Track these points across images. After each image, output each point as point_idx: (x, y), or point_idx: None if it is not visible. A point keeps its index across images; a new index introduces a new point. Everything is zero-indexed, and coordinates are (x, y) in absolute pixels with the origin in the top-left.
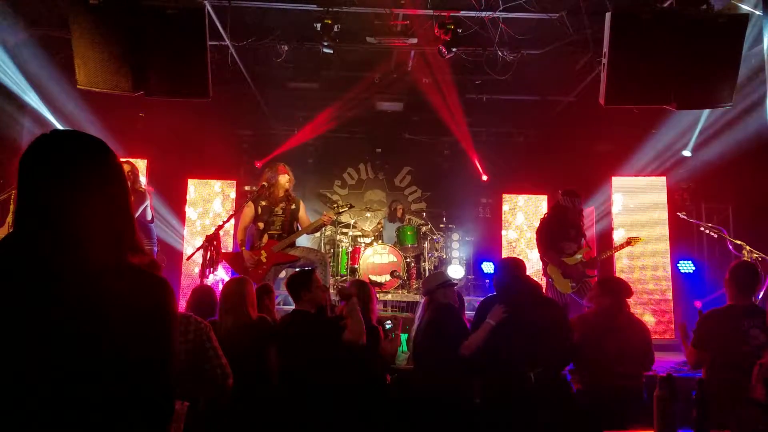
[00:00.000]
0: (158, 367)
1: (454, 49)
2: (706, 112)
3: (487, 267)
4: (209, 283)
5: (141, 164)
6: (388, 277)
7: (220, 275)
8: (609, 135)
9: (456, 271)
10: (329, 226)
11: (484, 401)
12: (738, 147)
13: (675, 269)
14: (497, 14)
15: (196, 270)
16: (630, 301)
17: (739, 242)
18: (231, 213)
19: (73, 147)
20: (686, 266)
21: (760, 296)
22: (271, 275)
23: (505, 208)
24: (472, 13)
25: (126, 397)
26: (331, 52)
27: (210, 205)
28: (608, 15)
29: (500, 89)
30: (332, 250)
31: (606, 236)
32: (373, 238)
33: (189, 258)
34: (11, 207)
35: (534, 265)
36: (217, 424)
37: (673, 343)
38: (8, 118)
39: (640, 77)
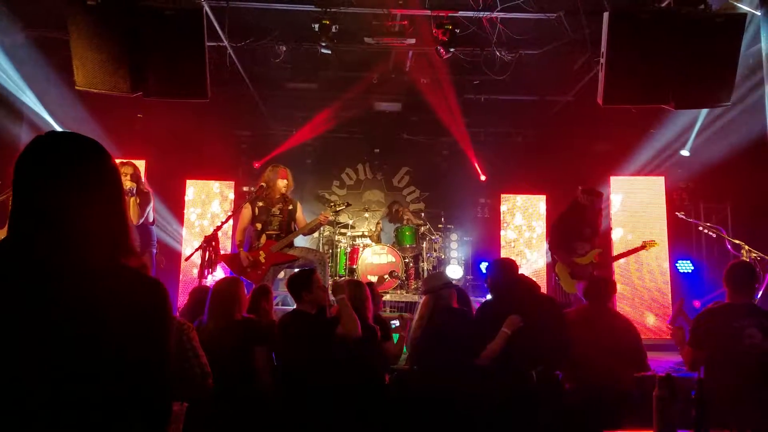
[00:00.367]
0: (155, 367)
1: (452, 50)
2: (704, 111)
3: (486, 267)
4: (208, 284)
5: (139, 165)
6: (386, 277)
7: (219, 276)
8: (607, 135)
9: (455, 272)
10: (328, 227)
11: (488, 402)
12: (736, 146)
13: (674, 269)
14: (495, 14)
15: (195, 271)
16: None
17: (737, 242)
18: (229, 214)
19: (68, 148)
20: (685, 266)
21: (759, 296)
22: (270, 276)
23: (503, 208)
24: (469, 13)
25: (124, 398)
26: (330, 52)
27: (208, 206)
28: (606, 15)
29: (498, 89)
30: (331, 251)
31: (604, 236)
32: (371, 238)
33: (187, 259)
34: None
35: (532, 265)
36: (209, 425)
37: (672, 343)
38: (6, 119)
39: (638, 77)
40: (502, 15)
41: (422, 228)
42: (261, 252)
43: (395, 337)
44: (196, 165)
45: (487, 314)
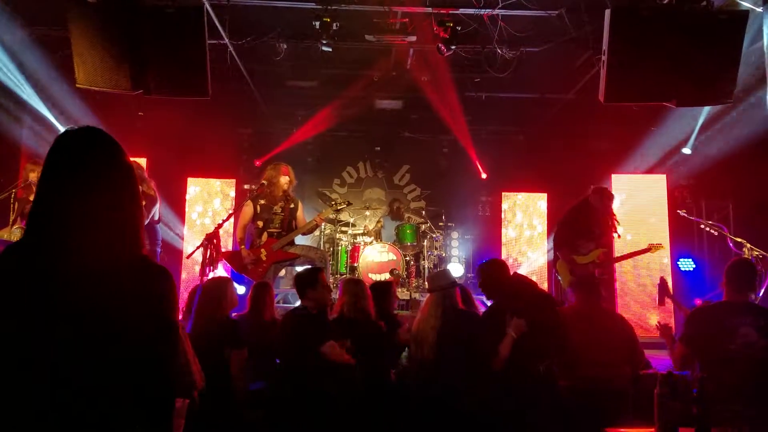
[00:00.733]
0: (162, 360)
1: (453, 47)
2: (706, 109)
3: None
4: None
5: (141, 163)
6: (387, 276)
7: (221, 274)
8: (608, 133)
9: (456, 270)
10: (329, 225)
11: (495, 399)
12: (738, 144)
13: (675, 267)
14: (496, 12)
15: (197, 268)
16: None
17: (739, 239)
18: (230, 211)
19: (86, 146)
20: (686, 264)
21: (761, 294)
22: (271, 273)
23: (504, 206)
24: (471, 11)
25: (131, 389)
26: (330, 50)
27: (210, 204)
28: (608, 12)
29: (499, 87)
30: (332, 249)
31: (606, 235)
32: (372, 236)
33: (189, 256)
34: (14, 206)
35: (533, 264)
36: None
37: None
38: (7, 117)
39: (639, 74)
40: (503, 12)
41: (423, 226)
42: (262, 250)
43: None
44: (197, 163)
45: (495, 318)
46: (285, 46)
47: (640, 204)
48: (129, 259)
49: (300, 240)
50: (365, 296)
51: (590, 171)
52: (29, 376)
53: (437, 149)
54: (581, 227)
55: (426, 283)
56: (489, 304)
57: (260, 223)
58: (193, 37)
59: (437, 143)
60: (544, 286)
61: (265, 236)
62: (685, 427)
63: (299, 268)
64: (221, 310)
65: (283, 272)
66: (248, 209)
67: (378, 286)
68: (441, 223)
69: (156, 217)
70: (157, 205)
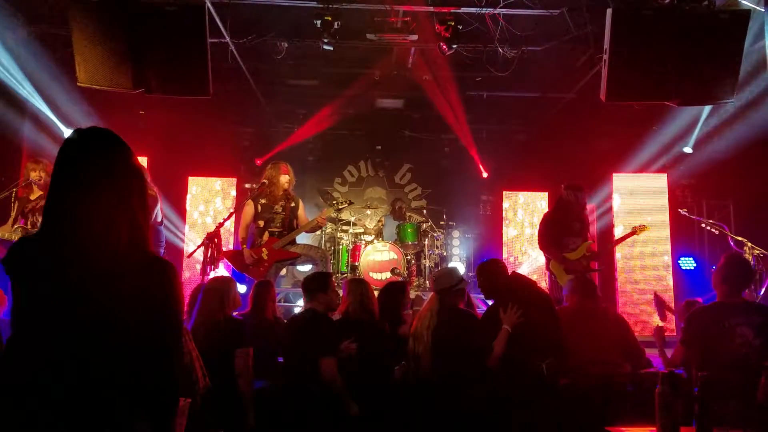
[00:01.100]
0: (166, 355)
1: (454, 46)
2: (707, 108)
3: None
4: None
5: (141, 162)
6: (388, 275)
7: (222, 273)
8: (610, 131)
9: (457, 269)
10: (330, 224)
11: (493, 398)
12: (739, 143)
13: (676, 266)
14: (498, 11)
15: (198, 267)
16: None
17: (740, 238)
18: (231, 210)
19: (96, 145)
20: (687, 263)
21: (762, 293)
22: (273, 273)
23: (505, 205)
24: (472, 10)
25: (135, 383)
26: (331, 49)
27: (211, 203)
28: (609, 11)
29: (501, 86)
30: (333, 248)
31: (607, 233)
32: (373, 235)
33: (190, 255)
34: (14, 205)
35: (534, 263)
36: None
37: (675, 340)
38: (8, 116)
39: (641, 73)
40: (504, 11)
41: (424, 225)
42: (263, 249)
43: None
44: (198, 162)
45: (493, 318)
46: (286, 45)
47: (641, 203)
48: (136, 255)
49: (301, 239)
50: (370, 296)
51: (591, 170)
52: (35, 365)
53: (438, 148)
54: (563, 225)
55: (427, 282)
56: (490, 303)
57: (261, 223)
58: (195, 35)
59: (438, 142)
60: (545, 285)
61: (266, 235)
62: (686, 427)
63: (300, 268)
64: (225, 310)
65: (284, 271)
66: (249, 209)
67: (392, 287)
68: (442, 222)
69: (159, 219)
70: (159, 206)
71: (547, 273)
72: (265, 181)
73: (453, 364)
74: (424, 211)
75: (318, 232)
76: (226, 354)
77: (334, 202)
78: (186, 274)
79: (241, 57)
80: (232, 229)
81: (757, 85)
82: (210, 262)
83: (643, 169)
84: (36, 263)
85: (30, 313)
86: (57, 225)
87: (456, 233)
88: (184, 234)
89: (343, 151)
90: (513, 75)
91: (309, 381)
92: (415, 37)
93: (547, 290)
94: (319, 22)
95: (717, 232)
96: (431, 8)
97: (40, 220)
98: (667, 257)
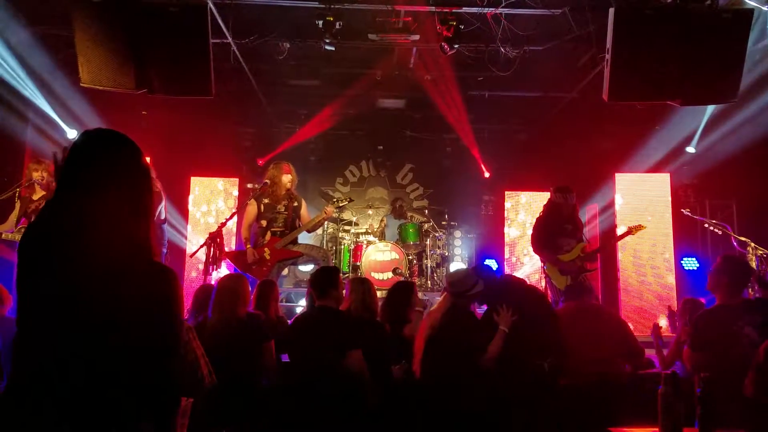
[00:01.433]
0: (164, 357)
1: (456, 46)
2: (710, 108)
3: (490, 264)
4: (212, 281)
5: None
6: (390, 275)
7: (224, 273)
8: (612, 132)
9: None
10: (332, 224)
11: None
12: (742, 143)
13: (679, 266)
14: (499, 10)
15: (201, 266)
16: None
17: (743, 239)
18: (233, 210)
19: (105, 146)
20: (690, 263)
21: None
22: (275, 272)
23: (507, 205)
24: (474, 9)
25: (134, 382)
26: (333, 49)
27: (213, 203)
28: (611, 11)
29: (502, 86)
30: (334, 248)
31: (609, 233)
32: (375, 235)
33: (192, 255)
34: (17, 204)
35: (536, 263)
36: (211, 420)
37: (672, 338)
38: (12, 116)
39: (643, 73)
40: (506, 11)
41: (426, 225)
42: (266, 249)
43: None
44: (201, 162)
45: (489, 321)
46: (288, 45)
47: (643, 203)
48: (140, 256)
49: (303, 239)
50: (372, 295)
51: (594, 170)
52: (40, 363)
53: (440, 148)
54: (555, 228)
55: (429, 282)
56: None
57: (264, 222)
58: (197, 36)
59: (440, 142)
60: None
61: (268, 235)
62: (688, 428)
63: (302, 268)
64: (241, 306)
65: (286, 271)
66: (252, 209)
67: (400, 286)
68: (444, 222)
69: (162, 217)
70: (163, 204)
71: (544, 276)
72: (267, 181)
73: (455, 363)
74: (426, 211)
75: (319, 232)
76: (248, 350)
77: (335, 199)
78: (193, 274)
79: (243, 57)
80: (234, 230)
81: (760, 84)
82: (212, 261)
83: (646, 169)
84: (42, 259)
85: (35, 311)
86: (64, 222)
87: (458, 233)
88: (186, 234)
89: (344, 151)
90: (515, 75)
91: (329, 377)
92: (416, 37)
93: (545, 290)
94: (320, 22)
95: (720, 233)
96: (433, 8)
97: None
98: (668, 255)
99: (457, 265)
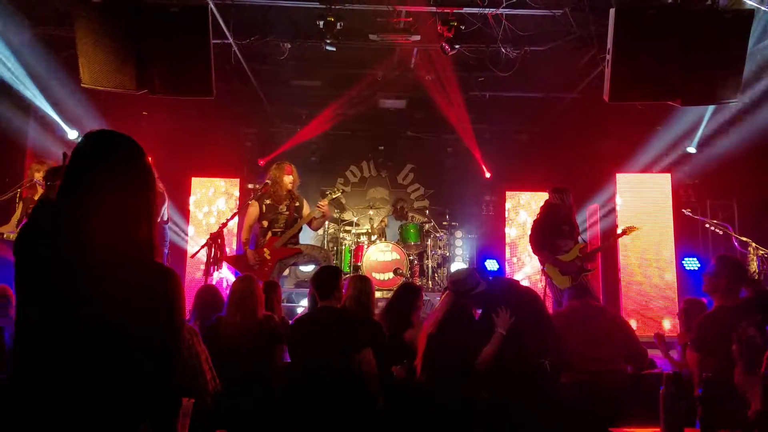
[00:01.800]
0: (164, 358)
1: (457, 46)
2: (711, 108)
3: (491, 264)
4: (214, 282)
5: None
6: (391, 275)
7: (225, 273)
8: (613, 132)
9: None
10: (332, 224)
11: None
12: (743, 143)
13: (680, 266)
14: (500, 11)
15: (202, 267)
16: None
17: (744, 239)
18: (234, 211)
19: (108, 148)
20: (691, 263)
21: None
22: (276, 273)
23: (508, 205)
24: (475, 10)
25: (133, 382)
26: (334, 49)
27: (214, 204)
28: (612, 11)
29: (503, 86)
30: (335, 248)
31: (610, 233)
32: (376, 235)
33: (193, 256)
34: (19, 205)
35: (536, 264)
36: (226, 418)
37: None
38: (14, 117)
39: (644, 73)
40: (507, 11)
41: (427, 225)
42: (265, 249)
43: None
44: (201, 163)
45: (487, 324)
46: (289, 46)
47: (644, 203)
48: (141, 257)
49: (304, 239)
50: (368, 294)
51: (594, 170)
52: (39, 365)
53: (441, 148)
54: (553, 228)
55: (430, 282)
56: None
57: (265, 223)
58: (198, 36)
59: (441, 142)
60: (541, 286)
61: (269, 235)
62: (690, 428)
63: (303, 268)
64: (259, 307)
65: (287, 272)
66: (254, 209)
67: (406, 287)
68: (445, 223)
69: (165, 218)
70: (166, 204)
71: (543, 276)
72: (268, 181)
73: (454, 362)
74: (427, 211)
75: (320, 232)
76: (264, 351)
77: (328, 193)
78: (197, 275)
79: (244, 58)
80: (235, 230)
81: (761, 84)
82: (213, 262)
83: (646, 169)
84: (43, 259)
85: (35, 311)
86: (66, 223)
87: (459, 233)
88: (187, 234)
89: (345, 151)
90: (515, 75)
91: (337, 377)
92: (417, 38)
93: (544, 290)
94: (321, 22)
95: (721, 233)
96: (434, 8)
97: None
98: (668, 253)
99: (458, 265)
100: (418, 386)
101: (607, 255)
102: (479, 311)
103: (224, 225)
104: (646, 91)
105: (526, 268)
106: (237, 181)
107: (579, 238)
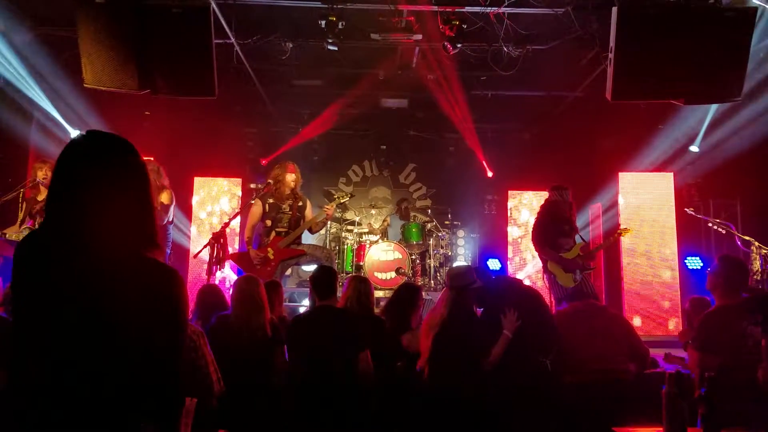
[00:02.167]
0: (166, 358)
1: (458, 45)
2: (714, 106)
3: (493, 264)
4: (216, 281)
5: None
6: (393, 274)
7: (227, 273)
8: (616, 130)
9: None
10: (335, 223)
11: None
12: (746, 142)
13: (683, 266)
14: (502, 10)
15: (205, 266)
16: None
17: (747, 238)
18: (237, 210)
19: (98, 147)
20: (694, 262)
21: None
22: (279, 273)
23: (510, 204)
24: (476, 9)
25: (136, 382)
26: (336, 49)
27: (216, 203)
28: (614, 9)
29: (506, 85)
30: (337, 248)
31: (612, 233)
32: (378, 235)
33: (196, 256)
34: (22, 205)
35: (539, 263)
36: (231, 418)
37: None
38: (16, 117)
39: (647, 72)
40: (509, 10)
41: (429, 225)
42: (269, 248)
43: None
44: (204, 162)
45: (492, 323)
46: (291, 45)
47: (647, 202)
48: (142, 257)
49: (306, 239)
50: (368, 294)
51: (597, 169)
52: (40, 364)
53: (443, 148)
54: (555, 227)
55: (432, 281)
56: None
57: (269, 222)
58: (200, 36)
59: (443, 142)
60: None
61: (272, 235)
62: (693, 427)
63: (305, 267)
64: (265, 306)
65: (289, 271)
66: (257, 209)
67: (405, 289)
68: (447, 222)
69: (170, 218)
70: (172, 207)
71: (546, 274)
72: (271, 180)
73: (457, 361)
74: (429, 210)
75: (323, 232)
76: (268, 350)
77: (336, 196)
78: (203, 275)
79: (246, 57)
80: (238, 229)
81: (764, 83)
82: (215, 262)
83: (649, 168)
84: (42, 262)
85: (34, 312)
86: (63, 224)
87: (461, 233)
88: (190, 234)
89: (347, 150)
90: (518, 74)
91: (337, 377)
92: (419, 37)
93: (546, 289)
94: (323, 22)
95: (724, 232)
96: (435, 7)
97: None
98: (671, 252)
99: (459, 264)
100: (422, 387)
101: (610, 254)
102: (480, 310)
103: (227, 224)
104: (649, 89)
105: (527, 267)
106: (239, 180)
107: (577, 236)
